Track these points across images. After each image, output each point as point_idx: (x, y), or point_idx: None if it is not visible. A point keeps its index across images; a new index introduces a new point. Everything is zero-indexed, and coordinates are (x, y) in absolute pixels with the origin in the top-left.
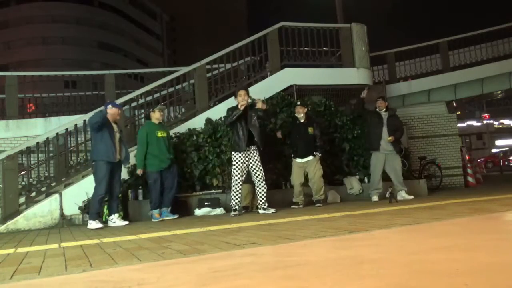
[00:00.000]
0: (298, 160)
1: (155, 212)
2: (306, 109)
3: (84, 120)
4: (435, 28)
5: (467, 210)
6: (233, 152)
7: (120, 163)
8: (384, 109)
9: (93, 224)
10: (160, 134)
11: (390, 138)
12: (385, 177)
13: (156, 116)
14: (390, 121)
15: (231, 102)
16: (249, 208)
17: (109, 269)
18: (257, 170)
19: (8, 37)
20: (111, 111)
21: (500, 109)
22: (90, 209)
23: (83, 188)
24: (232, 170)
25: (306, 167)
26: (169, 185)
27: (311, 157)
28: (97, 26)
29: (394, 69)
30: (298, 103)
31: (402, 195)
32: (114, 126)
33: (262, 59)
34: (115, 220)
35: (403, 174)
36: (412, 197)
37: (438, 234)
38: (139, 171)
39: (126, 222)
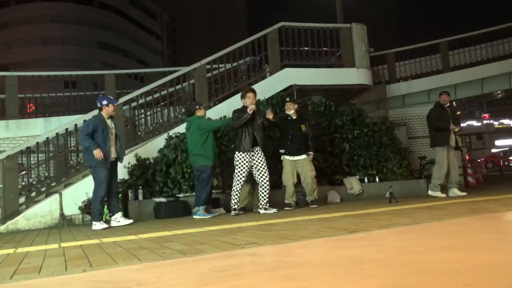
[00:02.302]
0: (289, 157)
1: (203, 209)
2: (296, 105)
3: (84, 120)
4: (435, 28)
5: (467, 210)
6: (236, 152)
7: (117, 161)
8: (448, 104)
9: (98, 225)
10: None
11: (458, 128)
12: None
13: (202, 113)
14: (453, 118)
15: (231, 102)
16: (247, 209)
17: (109, 269)
18: (263, 170)
19: (8, 37)
20: (109, 109)
21: (500, 109)
22: (92, 210)
23: (83, 188)
24: (236, 170)
25: (298, 166)
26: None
27: (303, 156)
28: (97, 26)
29: (394, 69)
30: (288, 99)
31: (454, 191)
32: (109, 122)
33: (262, 59)
34: (119, 219)
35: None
36: (465, 193)
37: (438, 234)
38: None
39: (131, 221)
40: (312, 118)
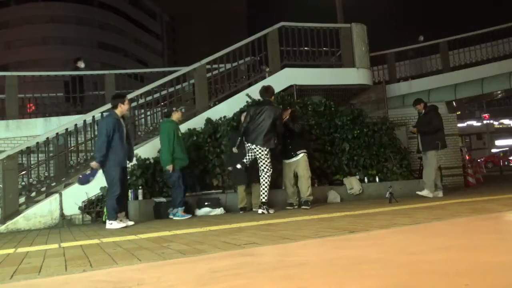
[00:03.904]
0: (287, 161)
1: (181, 210)
2: (289, 111)
3: (84, 120)
4: (435, 28)
5: (467, 210)
6: (267, 148)
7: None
8: (422, 110)
9: (115, 224)
10: (180, 133)
11: (412, 129)
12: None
13: (178, 116)
14: (422, 119)
15: (231, 102)
16: (246, 209)
17: (109, 269)
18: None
19: (8, 37)
20: (124, 107)
21: (500, 109)
22: (108, 208)
23: (83, 188)
24: (269, 164)
25: (295, 167)
26: (186, 185)
27: (300, 156)
28: (97, 26)
29: (394, 69)
30: (280, 106)
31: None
32: (121, 120)
33: (262, 59)
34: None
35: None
36: (427, 195)
37: (438, 234)
38: (170, 167)
39: (132, 223)
40: (301, 115)
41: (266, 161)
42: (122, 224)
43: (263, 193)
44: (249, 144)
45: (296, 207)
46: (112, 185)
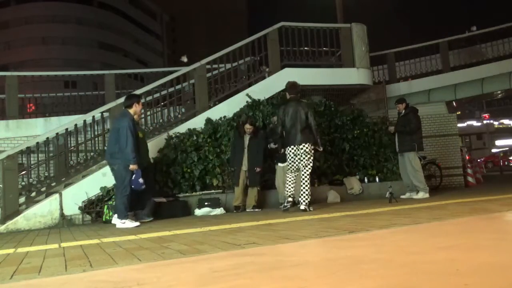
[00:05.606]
0: (282, 164)
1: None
2: None
3: (84, 120)
4: (436, 28)
5: (467, 210)
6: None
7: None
8: (403, 111)
9: (128, 223)
10: (141, 134)
11: (390, 129)
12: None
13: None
14: (401, 120)
15: (231, 101)
16: (240, 208)
17: (109, 269)
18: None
19: (8, 37)
20: (138, 107)
21: (500, 109)
22: (119, 208)
23: (83, 188)
24: (312, 161)
25: None
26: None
27: None
28: (97, 26)
29: (394, 69)
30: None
31: (403, 195)
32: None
33: (262, 59)
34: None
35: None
36: (408, 196)
37: (438, 234)
38: (134, 167)
39: (137, 224)
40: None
41: (310, 157)
42: (136, 223)
43: (307, 192)
44: (293, 147)
45: (289, 206)
46: (123, 186)
